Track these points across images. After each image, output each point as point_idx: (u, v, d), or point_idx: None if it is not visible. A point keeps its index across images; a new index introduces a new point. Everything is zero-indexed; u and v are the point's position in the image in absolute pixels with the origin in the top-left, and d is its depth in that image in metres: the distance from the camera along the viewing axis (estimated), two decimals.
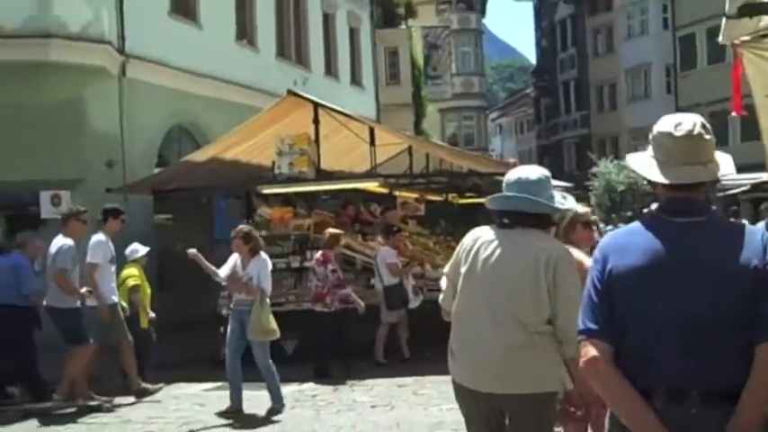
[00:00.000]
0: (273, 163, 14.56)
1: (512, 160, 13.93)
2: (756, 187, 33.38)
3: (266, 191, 14.69)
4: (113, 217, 11.51)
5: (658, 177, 3.21)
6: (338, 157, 18.43)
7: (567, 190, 33.92)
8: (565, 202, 4.86)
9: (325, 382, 11.98)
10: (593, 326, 3.17)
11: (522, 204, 4.58)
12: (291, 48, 25.95)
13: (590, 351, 3.14)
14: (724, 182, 37.84)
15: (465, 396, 4.77)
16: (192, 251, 10.66)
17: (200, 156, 15.35)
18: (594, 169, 45.28)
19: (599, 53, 56.55)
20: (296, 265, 14.22)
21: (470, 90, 52.03)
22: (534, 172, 4.73)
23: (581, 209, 6.04)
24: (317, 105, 14.68)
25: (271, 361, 10.13)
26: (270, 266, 10.34)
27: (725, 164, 3.31)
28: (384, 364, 13.14)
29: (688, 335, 3.02)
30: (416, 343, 13.30)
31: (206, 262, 10.80)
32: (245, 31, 22.95)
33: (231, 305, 10.72)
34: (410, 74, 37.91)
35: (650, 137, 3.34)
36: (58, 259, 10.65)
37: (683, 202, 3.19)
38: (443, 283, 4.96)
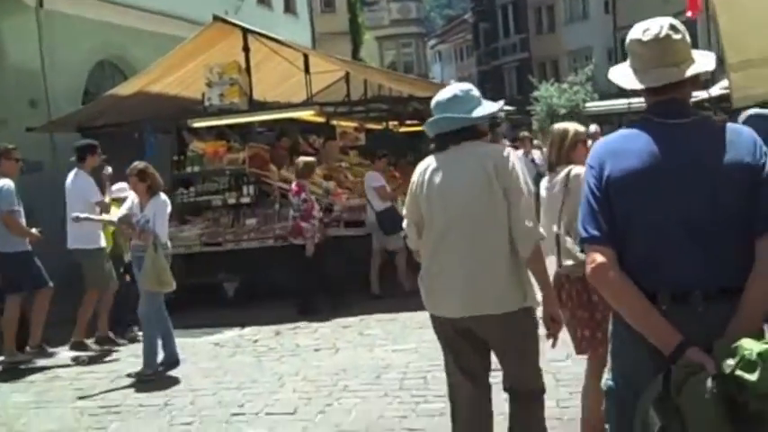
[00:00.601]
0: (203, 95, 13.80)
1: (451, 82, 13.23)
2: (696, 105, 33.14)
3: (197, 124, 13.93)
4: (90, 153, 10.85)
5: (633, 83, 3.28)
6: (272, 87, 17.67)
7: (508, 114, 33.68)
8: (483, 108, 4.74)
9: (302, 319, 11.41)
10: (595, 232, 3.18)
11: (443, 124, 4.70)
12: None
13: (596, 257, 3.15)
14: None
15: (441, 326, 4.85)
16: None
17: (126, 89, 14.46)
18: (536, 93, 44.94)
19: None
20: (232, 201, 13.58)
21: (408, 16, 51.17)
22: (448, 90, 4.79)
23: (580, 127, 5.92)
24: (246, 31, 13.87)
25: (164, 317, 9.38)
26: (169, 209, 9.50)
27: (705, 62, 3.31)
28: (380, 297, 12.63)
29: (690, 235, 3.06)
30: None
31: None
32: None
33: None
34: (346, 1, 37.01)
35: (626, 46, 3.41)
36: (1, 202, 9.82)
37: (666, 104, 3.22)
38: (405, 224, 4.99)
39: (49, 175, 14.17)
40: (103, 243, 10.66)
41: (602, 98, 44.37)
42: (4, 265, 10.00)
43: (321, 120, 16.02)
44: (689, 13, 6.92)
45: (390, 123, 19.17)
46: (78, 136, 15.55)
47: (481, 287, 4.57)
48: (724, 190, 3.05)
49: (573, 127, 5.88)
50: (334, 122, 17.49)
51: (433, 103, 4.78)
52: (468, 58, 72.84)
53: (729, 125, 3.25)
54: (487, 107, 4.79)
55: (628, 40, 3.37)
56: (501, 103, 5.24)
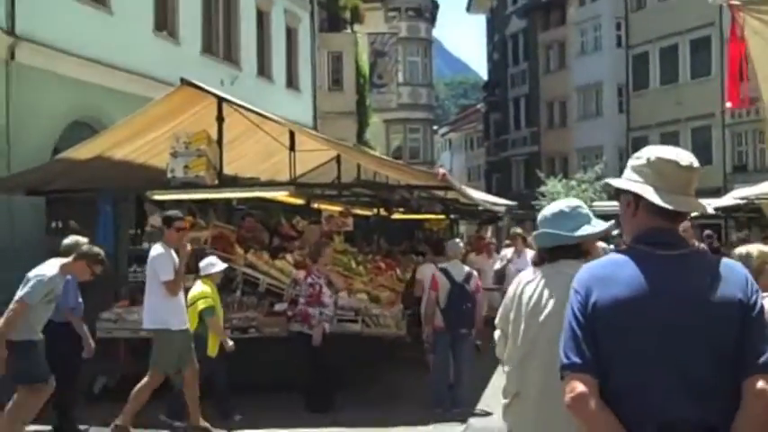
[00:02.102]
0: (168, 165, 12.51)
1: (440, 171, 11.93)
2: (708, 214, 31.80)
3: (158, 197, 12.59)
4: (168, 225, 10.08)
5: (661, 202, 3.21)
6: (255, 162, 16.52)
7: (510, 209, 32.45)
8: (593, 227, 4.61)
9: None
10: (577, 359, 3.11)
11: (544, 240, 4.63)
12: (219, 43, 23.96)
13: (576, 386, 3.08)
14: None
15: None
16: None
17: (85, 151, 13.14)
18: (542, 188, 43.92)
19: (551, 69, 55.14)
20: (189, 284, 12.17)
21: (418, 101, 50.20)
22: (555, 206, 4.75)
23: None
24: (221, 100, 12.62)
25: None
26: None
27: (707, 203, 3.85)
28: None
29: (678, 371, 2.99)
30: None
31: None
32: (164, 22, 20.92)
33: None
34: (354, 81, 36.19)
35: (641, 163, 3.34)
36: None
37: (666, 233, 3.23)
38: (497, 334, 4.91)
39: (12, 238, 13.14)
40: (181, 325, 9.79)
41: (609, 199, 43.26)
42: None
43: (298, 201, 14.62)
44: (728, 104, 5.69)
45: (387, 209, 17.95)
46: (43, 200, 14.47)
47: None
48: (714, 326, 3.00)
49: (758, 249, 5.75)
50: (316, 205, 16.16)
51: (539, 217, 4.71)
52: (478, 147, 72.05)
53: (723, 260, 3.23)
54: (594, 227, 4.60)
55: (654, 158, 3.30)
56: (611, 223, 4.79)
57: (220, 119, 12.57)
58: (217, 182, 12.57)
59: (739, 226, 32.64)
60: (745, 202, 25.54)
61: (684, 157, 3.27)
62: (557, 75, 53.96)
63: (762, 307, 3.07)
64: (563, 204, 4.71)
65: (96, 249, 9.09)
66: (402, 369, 13.43)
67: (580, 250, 4.59)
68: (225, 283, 12.33)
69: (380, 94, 43.16)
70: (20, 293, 8.47)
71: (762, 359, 2.97)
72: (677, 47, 44.65)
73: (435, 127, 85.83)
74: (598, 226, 4.59)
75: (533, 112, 55.88)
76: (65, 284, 9.03)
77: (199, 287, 10.54)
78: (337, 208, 16.64)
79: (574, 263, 4.38)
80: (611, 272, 3.15)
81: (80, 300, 9.93)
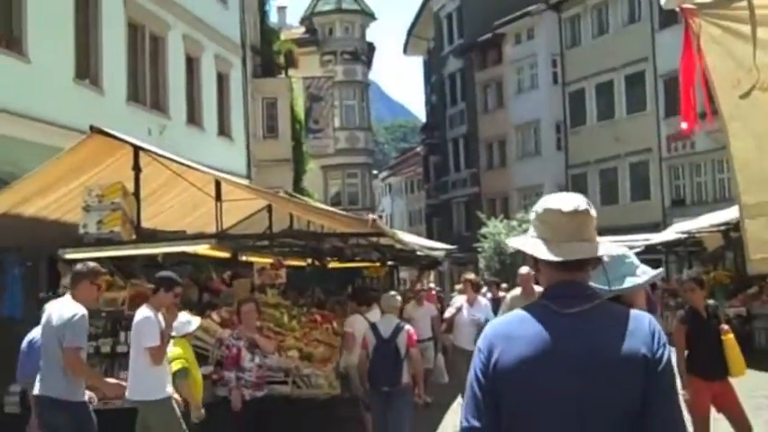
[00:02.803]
0: (81, 220, 11.65)
1: (370, 218, 11.20)
2: (650, 249, 31.65)
3: (70, 255, 11.69)
4: (166, 288, 9.31)
5: (547, 256, 3.13)
6: (180, 216, 15.70)
7: (450, 253, 31.84)
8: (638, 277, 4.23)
9: None
10: (475, 422, 3.05)
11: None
12: (146, 91, 23.11)
13: None
14: (614, 243, 36.49)
15: None
16: None
17: None
18: (484, 230, 43.60)
19: (489, 108, 55.05)
20: (106, 349, 11.30)
21: (355, 145, 49.64)
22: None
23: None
24: (137, 149, 11.82)
25: None
26: None
27: (610, 246, 3.49)
28: None
29: (581, 429, 2.90)
30: None
31: None
32: (86, 70, 20.07)
33: None
34: (290, 127, 35.53)
35: (533, 216, 3.28)
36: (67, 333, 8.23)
37: (568, 285, 3.12)
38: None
39: None
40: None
41: None
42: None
43: (223, 254, 13.79)
44: (684, 125, 4.93)
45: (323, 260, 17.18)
46: None
47: None
48: (615, 386, 2.90)
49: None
50: (245, 258, 15.35)
51: None
52: (418, 191, 71.71)
53: (633, 312, 3.12)
54: (637, 278, 4.25)
55: (541, 210, 3.25)
56: (659, 271, 4.49)
57: (137, 169, 11.77)
58: (134, 237, 11.74)
59: (680, 261, 32.45)
60: (686, 236, 25.33)
61: (569, 202, 3.17)
62: (494, 114, 53.85)
63: (668, 361, 2.98)
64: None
65: (91, 263, 8.66)
66: (339, 429, 12.65)
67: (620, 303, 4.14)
68: None
69: (317, 140, 42.52)
70: (69, 341, 8.02)
71: (664, 425, 2.92)
72: (612, 83, 44.78)
73: (375, 171, 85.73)
74: (642, 276, 4.25)
75: (472, 153, 55.59)
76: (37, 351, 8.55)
77: (172, 349, 9.63)
78: (268, 260, 15.85)
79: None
80: (515, 329, 3.07)
81: None
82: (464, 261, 43.50)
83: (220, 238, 11.64)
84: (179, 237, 12.48)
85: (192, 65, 26.33)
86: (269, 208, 16.06)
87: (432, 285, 30.97)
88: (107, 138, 11.41)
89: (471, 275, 15.61)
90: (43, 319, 8.49)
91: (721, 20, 4.69)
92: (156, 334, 8.84)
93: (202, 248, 11.55)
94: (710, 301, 10.31)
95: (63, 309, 8.33)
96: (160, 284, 9.35)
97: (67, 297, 8.55)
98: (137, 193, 11.79)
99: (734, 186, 4.85)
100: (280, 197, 13.62)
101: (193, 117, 26.23)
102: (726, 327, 9.50)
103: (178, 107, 24.85)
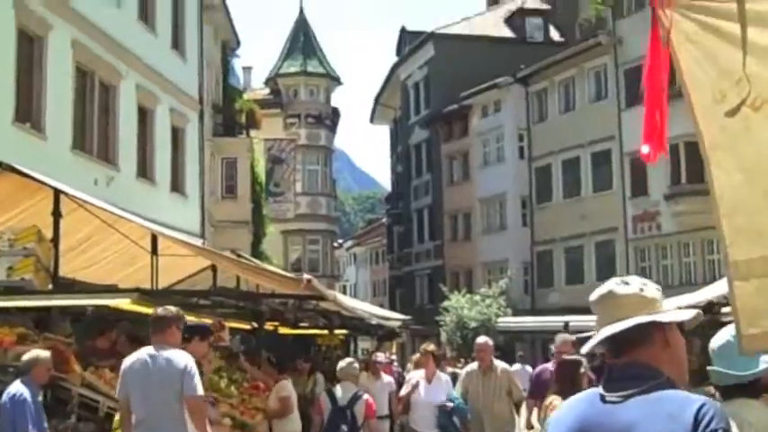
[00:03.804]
0: None
1: (304, 277, 10.07)
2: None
3: None
4: (201, 337, 8.89)
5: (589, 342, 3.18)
6: (116, 269, 14.54)
7: (407, 324, 30.66)
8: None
9: None
10: None
11: (715, 378, 4.26)
12: (93, 140, 21.92)
13: None
14: (580, 323, 35.48)
15: None
16: None
17: None
18: (446, 303, 42.60)
19: (454, 180, 54.23)
20: None
21: (317, 211, 48.71)
22: (721, 336, 4.23)
23: None
24: (57, 192, 10.68)
25: None
26: None
27: (674, 314, 3.13)
28: None
29: None
30: None
31: None
32: (27, 114, 18.93)
33: None
34: (250, 188, 34.55)
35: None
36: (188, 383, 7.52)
37: (614, 369, 3.03)
38: None
39: None
40: None
41: (515, 314, 42.18)
42: None
43: (143, 309, 12.56)
44: (645, 149, 3.71)
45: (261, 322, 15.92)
46: None
47: None
48: None
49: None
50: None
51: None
52: (382, 262, 70.67)
53: (684, 395, 2.86)
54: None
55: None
56: None
57: (56, 213, 10.65)
58: (50, 286, 10.56)
59: None
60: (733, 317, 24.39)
61: (595, 291, 3.19)
62: (460, 186, 53.07)
63: None
64: (729, 334, 4.12)
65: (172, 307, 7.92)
66: None
67: (757, 387, 4.12)
68: (57, 407, 10.26)
69: (277, 204, 41.66)
70: (191, 390, 7.29)
71: None
72: (579, 160, 44.19)
73: (341, 241, 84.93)
74: None
75: (437, 225, 54.70)
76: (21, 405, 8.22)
77: None
78: (207, 320, 14.65)
79: (753, 403, 4.09)
80: (562, 415, 3.15)
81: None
82: (425, 333, 42.37)
83: (143, 293, 10.40)
84: (99, 289, 11.28)
85: (145, 116, 25.23)
86: (213, 267, 15.01)
87: (393, 357, 29.80)
88: (23, 177, 10.28)
89: (431, 346, 13.01)
90: (131, 372, 7.54)
91: (698, 13, 3.63)
92: (200, 383, 7.71)
93: (124, 303, 10.33)
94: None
95: (168, 358, 7.41)
96: (194, 333, 8.71)
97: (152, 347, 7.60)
98: (55, 240, 10.65)
99: (719, 238, 3.68)
100: (210, 251, 12.48)
101: (144, 170, 25.05)
102: None
103: (128, 159, 23.68)
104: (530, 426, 11.46)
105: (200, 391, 7.49)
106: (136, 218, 13.01)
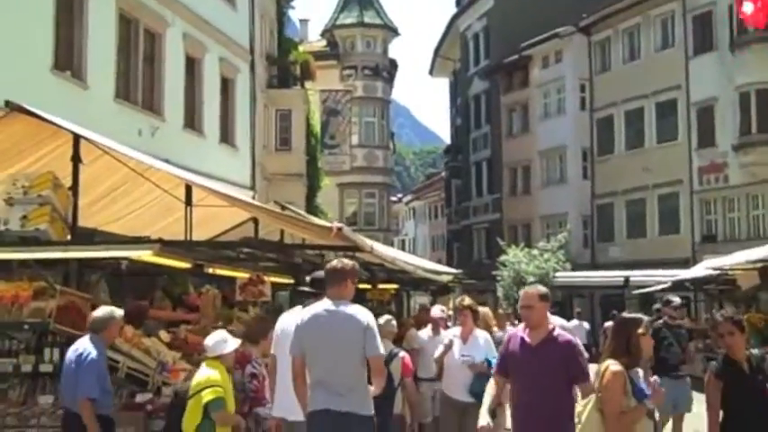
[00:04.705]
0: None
1: (335, 225, 9.28)
2: (678, 285, 29.72)
3: None
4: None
5: None
6: (149, 222, 13.95)
7: (459, 279, 29.92)
8: None
9: None
10: None
11: None
12: (138, 90, 21.42)
13: None
14: (641, 279, 34.59)
15: None
16: None
17: None
18: (503, 258, 41.76)
19: (513, 132, 53.06)
20: (27, 368, 9.50)
21: (373, 164, 47.84)
22: None
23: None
24: (77, 136, 10.05)
25: None
26: None
27: None
28: None
29: None
30: None
31: None
32: (68, 61, 18.43)
33: None
34: (304, 141, 33.92)
35: None
36: None
37: None
38: None
39: None
40: None
41: (574, 268, 41.29)
42: None
43: (184, 264, 11.89)
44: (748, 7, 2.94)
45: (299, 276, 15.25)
46: None
47: None
48: None
49: None
50: (214, 271, 13.52)
51: None
52: (441, 216, 69.86)
53: None
54: None
55: None
56: None
57: (76, 159, 10.02)
58: (68, 237, 9.97)
59: (710, 300, 30.48)
60: (718, 273, 23.43)
61: None
62: (519, 138, 51.93)
63: None
64: None
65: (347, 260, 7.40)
66: None
67: None
68: None
69: (333, 156, 41.04)
70: (373, 349, 6.89)
71: None
72: (643, 110, 42.86)
73: (400, 195, 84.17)
74: None
75: (496, 178, 53.72)
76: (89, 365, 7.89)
77: (205, 372, 8.05)
78: (244, 274, 14.03)
79: None
80: None
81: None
82: (481, 289, 41.63)
83: (165, 243, 9.75)
84: (116, 240, 10.68)
85: (192, 65, 24.66)
86: (254, 220, 14.36)
87: (450, 313, 29.19)
88: (40, 121, 9.66)
89: (467, 300, 11.02)
90: (307, 329, 7.04)
91: None
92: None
93: (145, 255, 9.69)
94: (755, 351, 7.84)
95: (349, 314, 6.96)
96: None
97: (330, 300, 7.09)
98: (74, 188, 10.05)
99: None
100: (244, 201, 11.73)
101: (192, 121, 24.54)
102: None
103: (175, 109, 23.17)
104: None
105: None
106: (168, 166, 12.39)
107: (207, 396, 7.82)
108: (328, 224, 9.99)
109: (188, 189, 12.08)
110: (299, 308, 7.23)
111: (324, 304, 6.99)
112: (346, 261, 7.33)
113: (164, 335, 10.55)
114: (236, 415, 8.26)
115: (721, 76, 36.50)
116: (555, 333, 7.18)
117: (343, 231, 9.12)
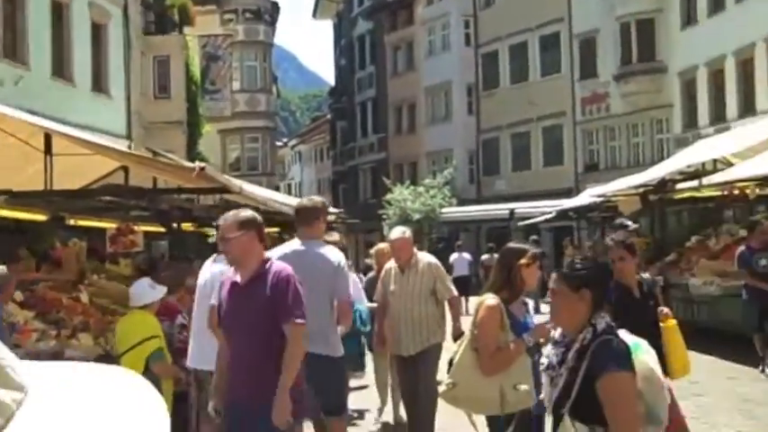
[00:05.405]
0: None
1: (197, 165, 8.80)
2: (562, 215, 30.11)
3: None
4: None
5: None
6: (10, 175, 13.20)
7: (342, 220, 29.64)
8: None
9: None
10: None
11: None
12: None
13: None
14: (526, 210, 35.03)
15: None
16: None
17: None
18: (389, 196, 41.77)
19: (398, 71, 52.86)
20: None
21: (256, 108, 46.88)
22: None
23: None
24: None
25: None
26: None
27: None
28: None
29: None
30: None
31: None
32: None
33: None
34: (184, 88, 32.99)
35: None
36: None
37: None
38: None
39: None
40: None
41: (460, 204, 41.52)
42: None
43: (40, 216, 11.29)
44: None
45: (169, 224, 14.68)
46: None
47: None
48: None
49: None
50: (73, 222, 12.91)
51: None
52: (327, 159, 69.41)
53: None
54: None
55: None
56: None
57: None
58: None
59: (593, 227, 30.92)
60: (600, 200, 23.70)
61: None
62: (405, 77, 51.73)
63: None
64: None
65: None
66: None
67: None
68: None
69: (213, 102, 40.04)
70: (343, 291, 6.78)
71: None
72: (527, 44, 43.05)
73: (286, 140, 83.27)
74: None
75: (381, 118, 53.57)
76: None
77: (141, 320, 7.56)
78: (111, 225, 13.45)
79: None
80: None
81: None
82: (369, 228, 41.59)
83: (16, 195, 9.13)
84: None
85: (59, 11, 23.56)
86: (124, 168, 13.71)
87: None
88: None
89: (335, 236, 9.97)
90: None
91: None
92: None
93: None
94: (645, 275, 7.59)
95: (319, 253, 6.78)
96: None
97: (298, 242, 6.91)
98: None
99: None
100: (105, 147, 11.08)
101: (61, 70, 23.52)
102: (666, 310, 7.08)
103: (41, 58, 22.16)
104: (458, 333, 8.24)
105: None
106: (24, 114, 11.67)
107: (148, 348, 7.37)
108: (191, 164, 9.50)
109: (47, 137, 11.40)
110: (221, 257, 6.66)
111: (293, 244, 6.82)
112: (316, 199, 7.19)
113: (17, 294, 9.93)
114: (175, 366, 7.82)
115: (602, 8, 36.74)
116: (267, 266, 5.72)
117: (206, 171, 8.65)
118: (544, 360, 4.33)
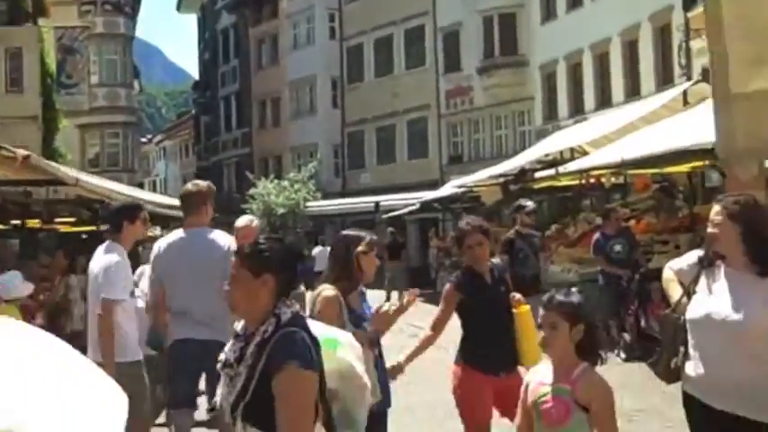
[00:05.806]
0: None
1: (20, 153, 8.33)
2: (425, 206, 30.28)
3: None
4: (129, 219, 6.62)
5: None
6: None
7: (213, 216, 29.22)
8: None
9: None
10: None
11: None
12: None
13: None
14: (391, 203, 35.10)
15: None
16: None
17: None
18: (252, 191, 41.55)
19: (263, 65, 52.45)
20: None
21: (116, 103, 45.60)
22: None
23: None
24: None
25: None
26: None
27: None
28: None
29: None
30: None
31: None
32: None
33: None
34: (39, 81, 31.80)
35: None
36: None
37: None
38: None
39: None
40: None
41: (325, 197, 41.51)
42: None
43: None
44: None
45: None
46: None
47: None
48: None
49: None
50: None
51: None
52: (192, 154, 68.36)
53: None
54: None
55: None
56: None
57: None
58: None
59: (456, 218, 31.22)
60: (463, 190, 23.87)
61: None
62: (269, 70, 51.33)
63: None
64: None
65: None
66: None
67: None
68: None
69: (70, 96, 38.75)
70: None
71: None
72: (392, 37, 43.18)
73: (150, 136, 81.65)
74: None
75: (245, 112, 53.13)
76: None
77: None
78: None
79: None
80: None
81: None
82: (231, 222, 41.12)
83: None
84: None
85: None
86: None
87: None
88: None
89: None
90: (166, 258, 6.72)
91: None
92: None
93: None
94: (495, 260, 7.26)
95: (209, 239, 6.65)
96: (122, 217, 6.68)
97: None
98: None
99: None
100: None
101: None
102: (518, 296, 6.66)
103: None
104: None
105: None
106: None
107: None
108: (15, 152, 8.95)
109: None
110: (113, 245, 6.50)
111: (180, 232, 6.66)
112: (201, 183, 6.92)
113: None
114: None
115: (466, 1, 37.05)
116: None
117: (31, 160, 8.13)
118: (221, 356, 3.71)
